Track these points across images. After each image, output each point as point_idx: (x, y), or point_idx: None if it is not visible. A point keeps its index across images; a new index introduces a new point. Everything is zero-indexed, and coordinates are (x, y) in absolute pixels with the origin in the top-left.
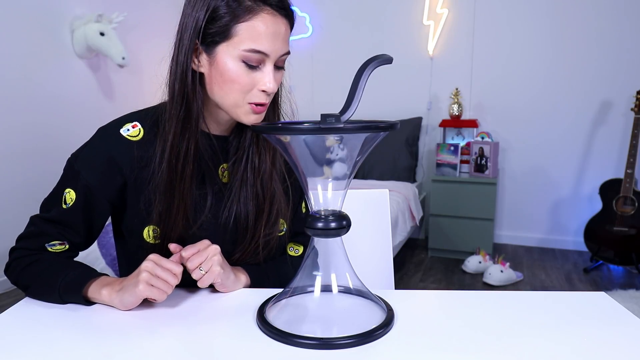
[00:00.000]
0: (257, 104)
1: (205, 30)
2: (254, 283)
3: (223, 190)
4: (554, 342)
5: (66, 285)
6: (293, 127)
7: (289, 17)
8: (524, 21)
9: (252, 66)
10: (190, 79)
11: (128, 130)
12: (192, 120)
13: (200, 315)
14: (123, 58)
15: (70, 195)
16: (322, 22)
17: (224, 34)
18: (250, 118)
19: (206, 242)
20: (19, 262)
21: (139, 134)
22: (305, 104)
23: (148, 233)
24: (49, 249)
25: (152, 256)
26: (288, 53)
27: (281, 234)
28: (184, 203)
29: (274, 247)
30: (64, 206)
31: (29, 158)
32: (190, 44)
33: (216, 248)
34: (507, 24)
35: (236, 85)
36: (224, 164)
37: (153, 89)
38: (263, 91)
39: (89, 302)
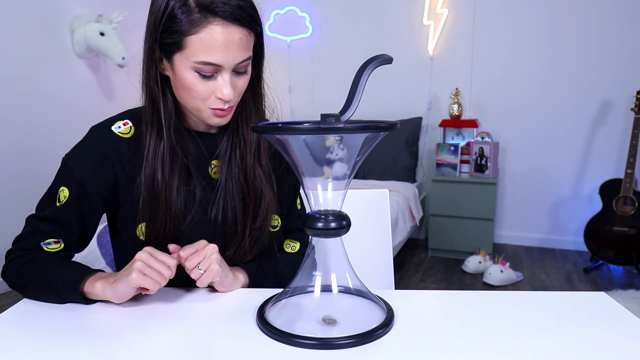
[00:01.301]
0: (218, 109)
1: (161, 39)
2: (253, 282)
3: (212, 187)
4: (554, 342)
5: (63, 284)
6: (293, 127)
7: (247, 23)
8: (524, 21)
9: (206, 76)
10: (154, 82)
11: (119, 127)
12: (161, 121)
13: (200, 315)
14: (123, 58)
15: (64, 193)
16: (322, 22)
17: (177, 45)
18: (214, 120)
19: (203, 242)
20: (15, 262)
21: (129, 131)
22: (305, 104)
23: (141, 230)
24: (45, 248)
25: (147, 248)
26: (249, 58)
27: (275, 229)
28: (168, 201)
29: (266, 242)
30: (58, 204)
31: (29, 158)
32: (152, 49)
33: (214, 247)
34: (507, 24)
35: (193, 93)
36: (214, 161)
37: None
38: (220, 98)
39: (87, 300)
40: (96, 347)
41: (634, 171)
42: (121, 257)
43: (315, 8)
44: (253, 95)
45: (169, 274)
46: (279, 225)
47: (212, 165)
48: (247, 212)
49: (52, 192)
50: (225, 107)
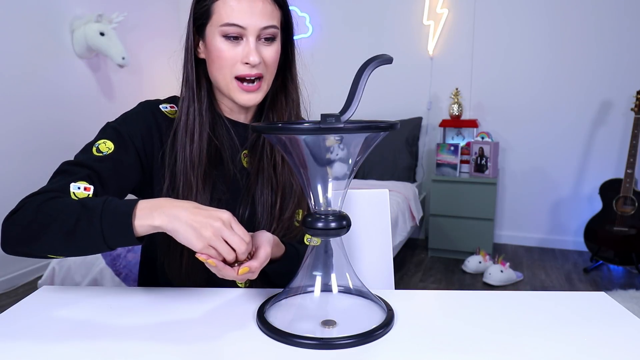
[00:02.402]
0: (242, 80)
1: (195, 13)
2: (285, 256)
3: (242, 175)
4: (554, 342)
5: (109, 211)
6: (293, 127)
7: None
8: (524, 21)
9: (233, 41)
10: (190, 66)
11: (166, 107)
12: (195, 101)
13: (201, 315)
14: (123, 58)
15: (106, 144)
16: (322, 22)
17: (207, 14)
18: (242, 98)
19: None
20: (34, 200)
21: (174, 113)
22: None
23: None
24: (73, 192)
25: (226, 215)
26: (274, 27)
27: (298, 224)
28: (196, 178)
29: (294, 236)
30: (98, 154)
31: (29, 158)
32: (190, 32)
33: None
34: (507, 24)
35: (222, 61)
36: (245, 151)
37: (153, 89)
38: (247, 64)
39: (134, 237)
40: (96, 347)
41: (634, 171)
42: (149, 241)
43: (315, 8)
44: (284, 88)
45: (243, 249)
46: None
47: (245, 154)
48: (276, 205)
49: (90, 145)
50: (253, 72)
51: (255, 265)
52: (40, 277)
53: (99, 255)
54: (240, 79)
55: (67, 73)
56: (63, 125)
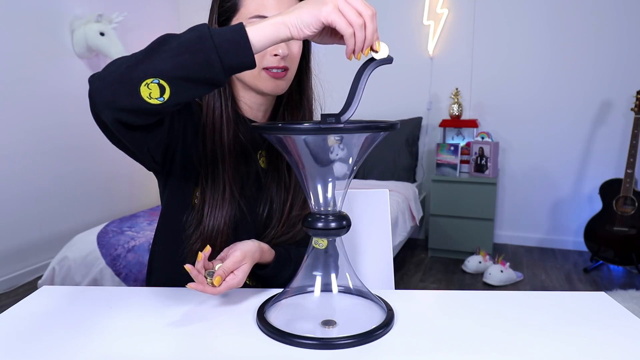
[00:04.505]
0: (272, 69)
1: (220, 10)
2: (276, 261)
3: (261, 175)
4: (554, 342)
5: (221, 32)
6: (293, 127)
7: None
8: (524, 21)
9: None
10: None
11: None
12: (224, 99)
13: (201, 315)
14: None
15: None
16: None
17: (234, 8)
18: (270, 85)
19: (239, 256)
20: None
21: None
22: None
23: (196, 195)
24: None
25: None
26: None
27: None
28: (228, 165)
29: (298, 233)
30: None
31: (29, 158)
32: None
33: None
34: (507, 24)
35: None
36: (262, 151)
37: None
38: (275, 55)
39: (250, 50)
40: (96, 346)
41: (634, 171)
42: (167, 232)
43: None
44: (299, 86)
45: (370, 14)
46: None
47: (261, 154)
48: (287, 203)
49: None
50: (281, 64)
51: (220, 273)
52: (40, 277)
53: (99, 255)
54: (268, 69)
55: (67, 73)
56: (63, 126)
